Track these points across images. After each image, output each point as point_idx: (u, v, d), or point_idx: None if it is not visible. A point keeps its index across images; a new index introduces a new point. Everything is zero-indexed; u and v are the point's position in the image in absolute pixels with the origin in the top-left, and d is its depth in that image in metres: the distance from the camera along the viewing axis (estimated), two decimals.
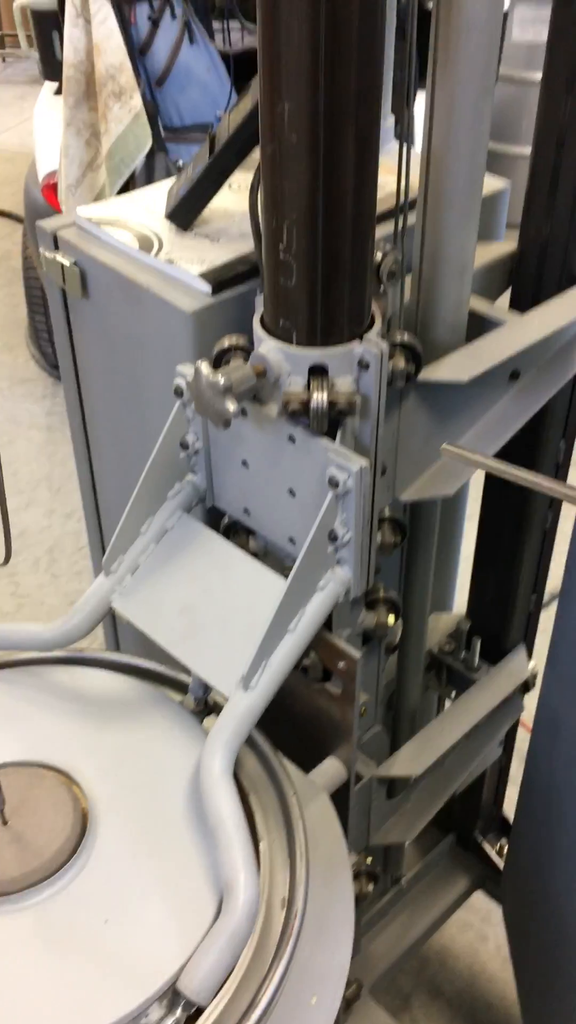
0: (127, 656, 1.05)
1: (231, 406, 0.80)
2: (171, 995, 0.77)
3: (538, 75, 0.98)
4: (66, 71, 2.45)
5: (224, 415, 0.81)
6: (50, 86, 3.12)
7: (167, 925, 0.81)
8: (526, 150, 1.05)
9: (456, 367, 0.92)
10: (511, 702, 1.42)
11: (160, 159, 2.60)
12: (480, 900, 1.84)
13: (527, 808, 1.42)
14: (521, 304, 1.08)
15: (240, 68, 2.81)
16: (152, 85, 2.58)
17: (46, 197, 2.82)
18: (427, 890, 1.67)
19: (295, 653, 0.87)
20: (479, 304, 1.01)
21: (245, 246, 0.99)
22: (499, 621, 1.41)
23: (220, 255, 0.98)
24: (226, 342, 0.88)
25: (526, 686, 1.42)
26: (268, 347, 0.83)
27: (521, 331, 0.97)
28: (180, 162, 2.61)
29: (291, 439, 0.86)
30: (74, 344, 1.13)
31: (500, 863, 1.67)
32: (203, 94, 2.65)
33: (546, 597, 1.49)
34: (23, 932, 0.80)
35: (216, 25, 2.96)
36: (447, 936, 1.86)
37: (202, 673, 0.90)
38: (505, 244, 1.11)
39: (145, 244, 1.01)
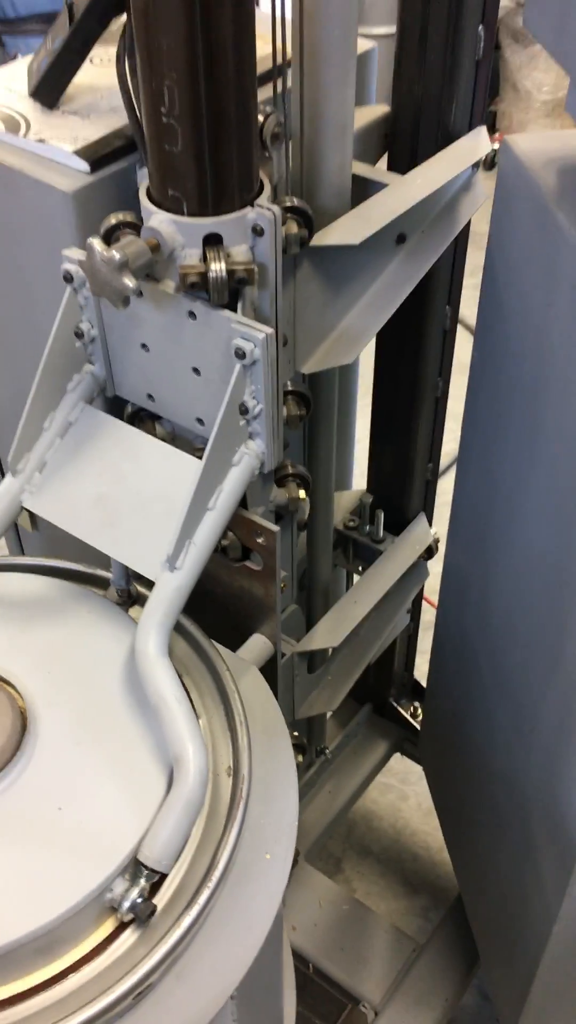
0: (41, 559, 1.04)
1: (130, 282, 0.78)
2: (133, 867, 0.79)
3: None
4: None
5: (124, 291, 0.79)
6: None
7: (120, 804, 0.82)
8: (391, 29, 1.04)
9: (347, 231, 0.92)
10: (417, 569, 1.47)
11: None
12: (398, 763, 1.93)
13: (441, 665, 1.48)
14: (400, 166, 1.08)
15: None
16: None
17: None
18: (350, 758, 1.75)
19: (217, 530, 0.88)
20: (361, 168, 1.01)
21: (118, 120, 0.96)
22: (399, 492, 1.44)
23: (93, 131, 0.94)
24: (113, 219, 0.85)
25: (429, 552, 1.47)
26: (159, 219, 0.81)
27: (405, 190, 0.97)
28: (18, 55, 2.46)
29: (191, 315, 0.85)
30: None
31: (416, 724, 1.75)
32: None
33: (442, 466, 1.54)
34: None
35: None
36: (370, 800, 1.95)
37: (126, 560, 0.90)
38: (378, 107, 1.10)
39: (11, 125, 0.96)
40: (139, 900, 0.78)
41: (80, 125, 0.95)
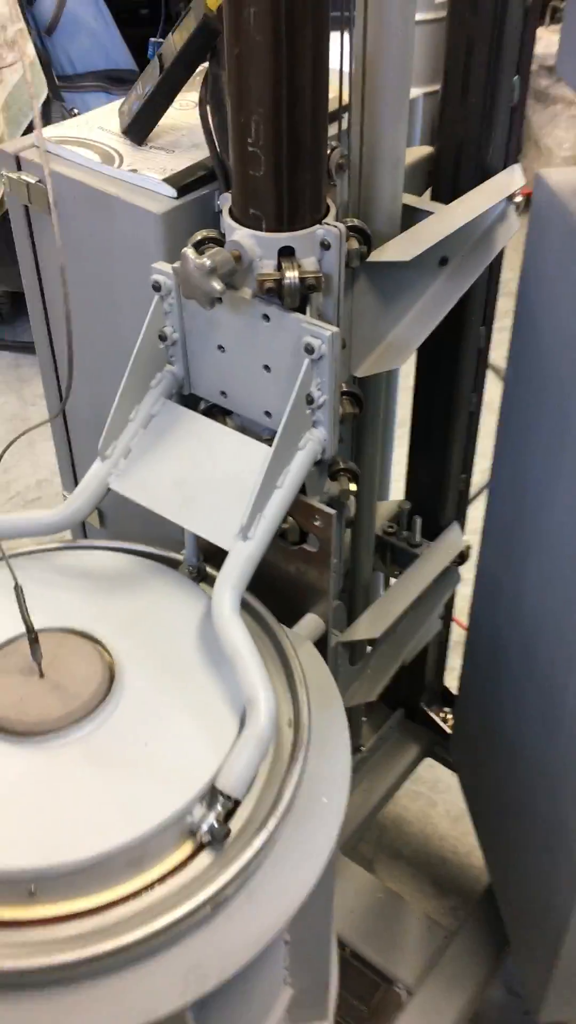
0: (120, 542, 1.16)
1: (218, 285, 0.91)
2: (210, 795, 0.89)
3: None
4: None
5: (212, 294, 0.92)
6: None
7: (198, 741, 0.93)
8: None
9: (399, 249, 1.05)
10: (449, 573, 1.57)
11: (56, 107, 2.64)
12: (427, 772, 2.02)
13: (474, 659, 1.58)
14: (443, 199, 1.22)
15: (119, 15, 2.86)
16: (42, 34, 2.61)
17: None
18: (383, 760, 1.84)
19: (284, 506, 1.00)
20: (409, 198, 1.14)
21: (199, 154, 1.10)
22: (435, 501, 1.56)
23: (178, 163, 1.09)
24: (199, 235, 0.99)
25: (462, 557, 1.58)
26: (241, 234, 0.95)
27: (449, 217, 1.10)
28: (75, 110, 2.65)
29: (265, 317, 0.98)
30: (40, 263, 1.21)
31: (446, 728, 1.84)
32: (93, 41, 2.69)
33: (475, 489, 1.67)
34: (73, 761, 0.91)
35: None
36: (400, 806, 2.04)
37: (203, 532, 1.02)
38: (423, 148, 1.24)
39: (106, 158, 1.10)
40: (215, 824, 0.88)
41: (166, 158, 1.10)
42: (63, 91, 2.65)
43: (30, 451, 3.00)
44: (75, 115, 2.14)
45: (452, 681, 1.80)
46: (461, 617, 1.74)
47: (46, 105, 2.61)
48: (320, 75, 0.89)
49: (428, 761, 1.94)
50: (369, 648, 1.52)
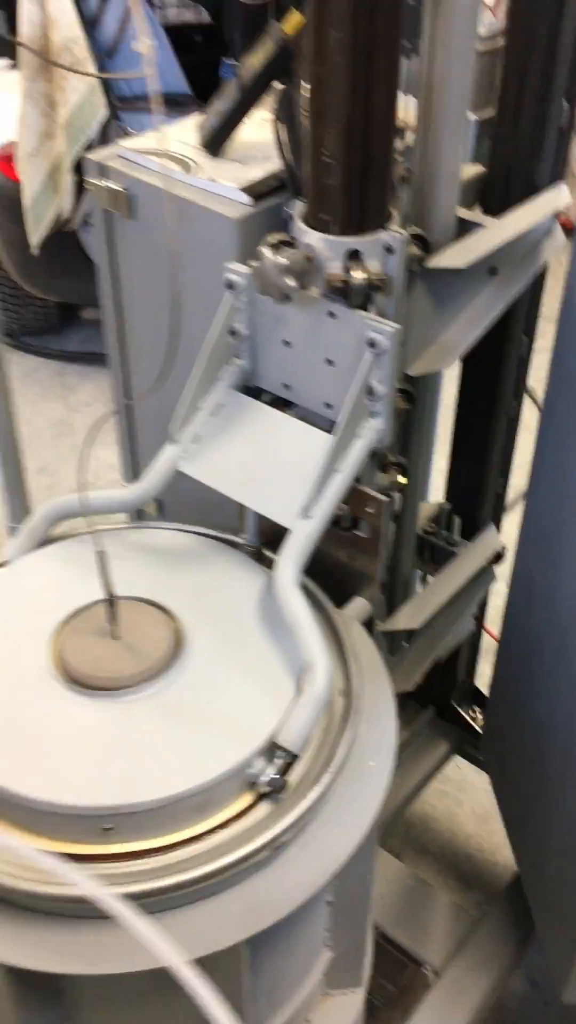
0: (184, 525, 1.24)
1: (291, 282, 1.00)
2: (270, 750, 0.97)
3: None
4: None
5: (285, 290, 1.00)
6: (2, 63, 3.24)
7: (260, 702, 1.00)
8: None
9: (455, 257, 1.14)
10: (485, 572, 1.65)
11: (113, 127, 2.75)
12: (454, 772, 2.08)
13: (507, 664, 1.65)
14: (493, 213, 1.30)
15: (175, 41, 2.99)
16: (103, 57, 2.73)
17: (1, 168, 2.94)
18: (414, 755, 1.90)
19: (342, 489, 1.08)
20: (463, 211, 1.23)
21: (271, 166, 1.19)
22: (473, 502, 1.64)
23: (252, 174, 1.18)
24: (273, 238, 1.07)
25: (497, 557, 1.65)
26: (313, 237, 1.04)
27: (500, 230, 1.18)
28: (131, 130, 2.76)
29: (331, 315, 1.07)
30: (118, 264, 1.31)
31: (476, 727, 1.91)
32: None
33: (509, 503, 1.74)
34: (144, 715, 0.98)
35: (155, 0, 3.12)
36: (428, 804, 2.10)
37: (267, 511, 1.10)
38: (473, 167, 1.33)
39: (187, 168, 1.20)
40: (275, 775, 0.96)
41: (240, 169, 1.19)
42: (120, 111, 2.77)
43: (74, 455, 3.10)
44: (131, 135, 2.26)
45: (483, 687, 1.87)
46: (492, 628, 1.81)
47: (104, 125, 2.73)
48: (390, 95, 0.98)
49: (455, 763, 2.01)
50: (406, 644, 1.60)
